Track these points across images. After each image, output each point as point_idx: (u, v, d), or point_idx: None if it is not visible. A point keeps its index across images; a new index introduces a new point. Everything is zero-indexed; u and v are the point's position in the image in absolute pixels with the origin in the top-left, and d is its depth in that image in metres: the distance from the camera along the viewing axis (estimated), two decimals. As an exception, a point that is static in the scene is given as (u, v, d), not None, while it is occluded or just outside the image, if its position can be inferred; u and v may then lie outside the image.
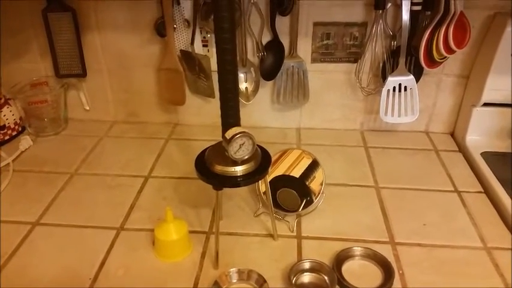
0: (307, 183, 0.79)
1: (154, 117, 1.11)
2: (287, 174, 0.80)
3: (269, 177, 0.78)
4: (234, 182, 0.64)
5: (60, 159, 0.97)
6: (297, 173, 0.80)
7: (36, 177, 0.91)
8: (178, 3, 0.92)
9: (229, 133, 0.62)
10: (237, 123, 0.65)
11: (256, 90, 1.02)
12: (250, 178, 0.64)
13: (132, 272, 0.68)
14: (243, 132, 0.62)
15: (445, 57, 0.89)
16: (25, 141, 1.01)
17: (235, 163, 0.64)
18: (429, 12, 0.87)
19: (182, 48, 0.98)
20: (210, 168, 0.65)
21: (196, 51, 0.96)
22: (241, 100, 1.00)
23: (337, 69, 1.00)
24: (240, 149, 0.63)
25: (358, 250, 0.71)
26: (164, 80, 1.04)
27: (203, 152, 0.69)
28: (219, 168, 0.64)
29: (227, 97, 0.63)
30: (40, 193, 0.86)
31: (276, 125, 1.09)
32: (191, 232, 0.74)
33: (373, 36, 0.91)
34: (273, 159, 0.81)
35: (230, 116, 0.64)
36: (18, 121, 1.06)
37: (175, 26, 0.95)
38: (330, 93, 1.03)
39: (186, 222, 0.72)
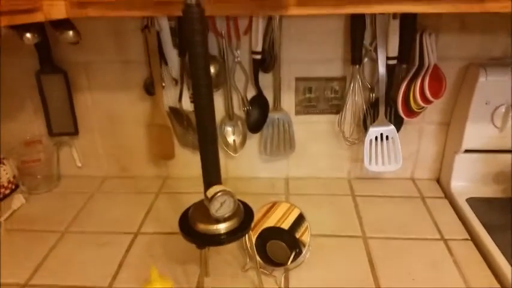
0: (296, 235, 0.80)
1: (145, 171, 1.13)
2: (276, 226, 0.81)
3: (259, 229, 0.79)
4: (217, 240, 0.65)
5: (51, 217, 0.97)
6: (286, 225, 0.81)
7: (27, 237, 0.91)
8: (166, 64, 0.97)
9: (210, 192, 0.64)
10: (218, 181, 0.67)
11: (243, 142, 1.04)
12: (233, 236, 0.65)
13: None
14: (224, 190, 0.64)
15: (423, 107, 0.92)
16: (17, 200, 1.02)
17: (217, 221, 0.65)
18: (405, 66, 0.91)
19: (171, 105, 1.02)
20: (193, 227, 0.66)
21: (184, 107, 1.00)
22: (229, 152, 1.03)
23: (320, 120, 1.03)
24: (222, 207, 0.64)
25: (344, 304, 0.71)
26: (154, 135, 1.07)
27: (187, 210, 0.70)
28: (201, 227, 0.65)
29: (206, 150, 0.64)
30: (30, 253, 0.86)
31: (264, 175, 1.10)
32: (178, 290, 0.74)
33: (353, 89, 0.95)
34: (261, 211, 0.83)
35: (210, 174, 0.66)
36: (11, 179, 1.07)
37: (163, 84, 0.99)
38: (315, 143, 1.06)
39: (172, 281, 0.72)
